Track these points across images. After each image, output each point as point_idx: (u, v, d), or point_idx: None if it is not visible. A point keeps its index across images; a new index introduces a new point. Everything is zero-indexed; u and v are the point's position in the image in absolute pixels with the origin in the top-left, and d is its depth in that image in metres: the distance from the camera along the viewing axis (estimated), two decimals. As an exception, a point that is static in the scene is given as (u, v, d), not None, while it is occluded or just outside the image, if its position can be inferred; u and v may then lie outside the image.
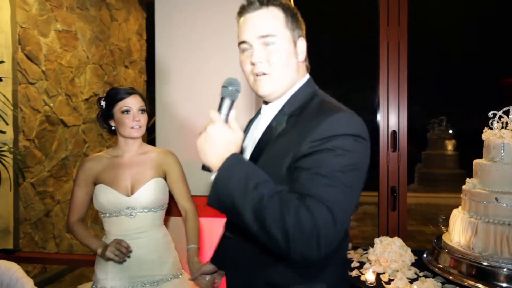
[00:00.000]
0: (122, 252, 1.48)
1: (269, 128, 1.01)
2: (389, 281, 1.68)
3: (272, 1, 0.97)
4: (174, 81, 2.50)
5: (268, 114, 1.04)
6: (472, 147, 2.42)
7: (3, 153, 2.49)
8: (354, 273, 1.77)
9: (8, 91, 3.23)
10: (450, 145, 9.37)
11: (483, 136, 1.80)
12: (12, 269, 1.93)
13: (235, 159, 0.86)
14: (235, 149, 0.88)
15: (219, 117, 0.90)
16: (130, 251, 1.53)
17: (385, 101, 2.45)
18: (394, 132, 2.43)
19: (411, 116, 2.47)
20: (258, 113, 1.13)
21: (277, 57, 0.96)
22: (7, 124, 2.61)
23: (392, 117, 2.44)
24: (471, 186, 1.75)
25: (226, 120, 0.92)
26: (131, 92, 1.61)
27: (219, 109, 0.92)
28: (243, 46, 0.98)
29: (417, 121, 10.42)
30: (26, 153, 3.53)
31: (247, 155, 1.04)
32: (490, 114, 1.78)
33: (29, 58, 3.59)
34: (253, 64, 0.97)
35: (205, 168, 0.90)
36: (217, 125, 0.88)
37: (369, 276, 1.67)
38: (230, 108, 0.92)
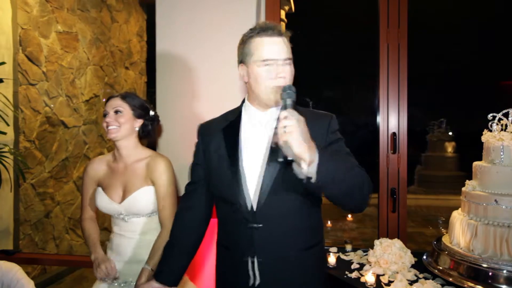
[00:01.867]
0: (109, 273, 1.57)
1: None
2: (389, 283, 1.68)
3: (285, 33, 1.27)
4: (174, 82, 2.51)
5: (270, 118, 1.28)
6: (471, 149, 2.42)
7: (4, 154, 2.49)
8: (354, 274, 1.78)
9: (9, 92, 3.24)
10: (449, 147, 9.38)
11: (483, 138, 1.80)
12: (12, 270, 1.93)
13: (320, 150, 1.08)
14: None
15: (292, 112, 1.05)
16: (117, 277, 1.60)
17: (385, 103, 2.46)
18: (394, 134, 2.43)
19: (411, 118, 2.47)
20: (239, 117, 1.34)
21: (290, 75, 1.26)
22: (8, 125, 2.62)
23: (392, 119, 2.45)
24: (471, 188, 1.75)
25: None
26: (111, 96, 1.66)
27: (284, 107, 1.10)
28: (269, 62, 1.23)
29: (417, 123, 10.43)
30: (26, 154, 3.54)
31: (250, 150, 1.28)
32: (489, 116, 1.79)
33: (30, 59, 3.60)
34: (282, 77, 1.23)
35: (284, 159, 1.04)
36: (295, 118, 1.04)
37: (369, 278, 1.67)
38: (292, 106, 1.11)
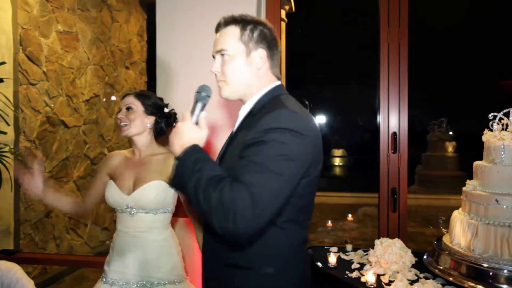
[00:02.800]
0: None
1: (238, 126, 1.19)
2: (389, 283, 1.68)
3: (232, 21, 1.18)
4: (174, 82, 2.51)
5: (241, 116, 1.20)
6: (472, 149, 2.42)
7: (4, 153, 2.50)
8: (354, 274, 1.78)
9: (9, 92, 3.24)
10: (450, 147, 9.38)
11: (483, 138, 1.80)
12: (12, 270, 1.93)
13: (192, 148, 1.04)
14: (199, 144, 1.06)
15: (189, 116, 1.09)
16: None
17: (385, 103, 2.46)
18: (394, 133, 2.43)
19: (412, 117, 2.47)
20: None
21: (228, 67, 1.14)
22: (8, 124, 2.62)
23: (392, 119, 2.45)
24: (471, 188, 1.75)
25: (197, 121, 1.10)
26: (126, 94, 1.69)
27: (192, 110, 1.11)
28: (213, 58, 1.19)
29: (418, 123, 10.43)
30: (26, 154, 3.54)
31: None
32: (490, 116, 1.79)
33: (30, 59, 3.60)
34: (213, 71, 1.18)
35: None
36: (186, 122, 1.07)
37: (369, 278, 1.67)
38: (202, 110, 1.11)
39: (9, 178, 2.66)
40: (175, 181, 1.04)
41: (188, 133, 1.06)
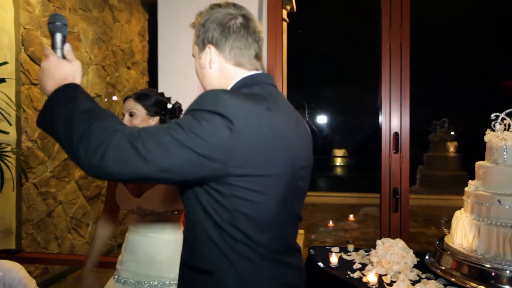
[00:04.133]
0: None
1: None
2: (391, 283, 1.68)
3: (192, 25, 1.08)
4: (176, 82, 2.51)
5: None
6: (474, 149, 2.41)
7: (6, 153, 2.50)
8: (356, 274, 1.77)
9: (11, 91, 3.25)
10: (452, 147, 9.36)
11: (486, 138, 1.79)
12: (14, 269, 1.94)
13: (73, 86, 0.91)
14: (73, 79, 0.93)
15: (51, 51, 0.95)
16: None
17: (387, 103, 2.45)
18: (396, 133, 2.43)
19: (413, 117, 2.46)
20: None
21: (196, 72, 1.08)
22: (10, 124, 2.62)
23: (394, 119, 2.44)
24: (474, 188, 1.75)
25: (63, 55, 0.96)
26: (126, 98, 1.67)
27: (53, 46, 0.96)
28: None
29: (419, 123, 10.41)
30: (28, 154, 3.55)
31: None
32: (492, 116, 1.78)
33: (32, 59, 3.61)
34: None
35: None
36: (50, 58, 0.94)
37: (371, 278, 1.67)
38: (63, 42, 0.97)
39: (11, 178, 2.66)
40: (43, 121, 0.89)
41: (58, 69, 0.92)
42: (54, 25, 0.96)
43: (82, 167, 0.83)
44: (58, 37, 0.96)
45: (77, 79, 0.94)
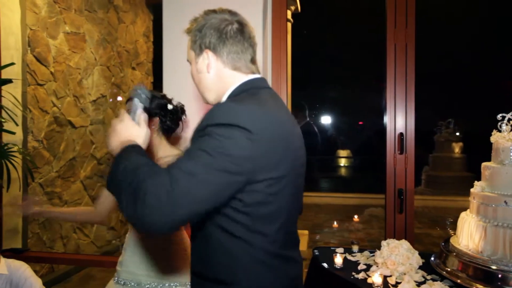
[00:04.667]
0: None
1: None
2: (396, 284, 1.67)
3: (187, 31, 1.12)
4: (181, 82, 2.52)
5: None
6: (480, 150, 2.39)
7: (13, 153, 2.52)
8: (361, 275, 1.77)
9: (17, 92, 3.27)
10: (457, 148, 9.30)
11: (492, 139, 1.78)
12: (21, 268, 1.95)
13: (134, 146, 0.96)
14: (140, 142, 1.00)
15: (125, 114, 1.03)
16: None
17: (392, 103, 2.44)
18: (401, 134, 2.42)
19: (419, 118, 2.45)
20: None
21: (192, 77, 1.12)
22: (17, 125, 2.64)
23: (399, 119, 2.43)
24: (480, 189, 1.74)
25: (137, 121, 1.04)
26: (128, 99, 1.63)
27: (128, 110, 1.06)
28: None
29: (425, 124, 10.36)
30: (34, 154, 3.57)
31: None
32: (499, 116, 1.77)
33: (38, 60, 3.64)
34: None
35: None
36: (125, 121, 1.02)
37: (376, 279, 1.66)
38: (140, 108, 1.06)
39: (17, 177, 2.69)
40: (111, 181, 0.92)
41: (125, 130, 1.00)
42: (136, 92, 1.06)
43: (141, 224, 0.84)
44: (136, 103, 1.05)
45: (140, 141, 1.00)
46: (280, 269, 1.00)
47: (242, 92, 1.03)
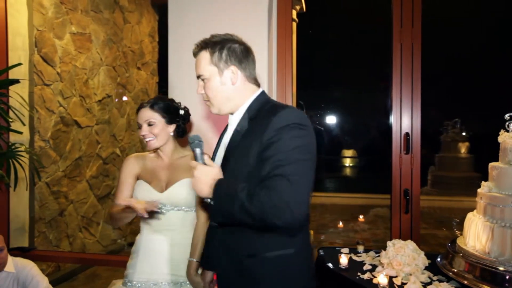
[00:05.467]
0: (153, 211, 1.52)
1: (235, 131, 1.29)
2: (402, 285, 1.66)
3: (203, 46, 1.31)
4: (186, 83, 2.52)
5: (233, 123, 1.32)
6: (487, 150, 2.37)
7: (20, 153, 2.54)
8: (366, 276, 1.76)
9: (24, 92, 3.30)
10: (464, 148, 9.22)
11: (499, 139, 1.76)
12: (27, 267, 1.97)
13: (220, 183, 1.16)
14: (218, 178, 1.17)
15: (197, 163, 1.19)
16: (161, 211, 1.62)
17: (398, 103, 2.43)
18: (407, 134, 2.40)
19: (425, 118, 2.44)
20: (226, 126, 1.40)
21: (208, 89, 1.29)
22: (23, 124, 2.66)
23: (405, 119, 2.42)
24: (487, 190, 1.72)
25: (204, 163, 1.20)
26: (141, 105, 1.70)
27: (195, 158, 1.22)
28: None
29: (431, 124, 10.28)
30: (41, 153, 3.60)
31: (219, 156, 1.33)
32: (506, 116, 1.75)
33: (45, 60, 3.66)
34: (199, 93, 1.33)
35: (205, 200, 1.20)
36: (199, 168, 1.18)
37: (381, 279, 1.65)
38: (202, 153, 1.22)
39: (24, 177, 2.71)
40: (218, 216, 1.18)
41: (206, 175, 1.17)
42: (194, 144, 1.21)
43: (284, 226, 1.08)
44: (198, 151, 1.21)
45: (220, 175, 1.19)
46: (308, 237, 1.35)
47: (265, 102, 1.28)
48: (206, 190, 1.16)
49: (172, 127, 1.69)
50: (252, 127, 1.22)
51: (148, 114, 1.65)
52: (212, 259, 1.35)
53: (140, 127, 1.67)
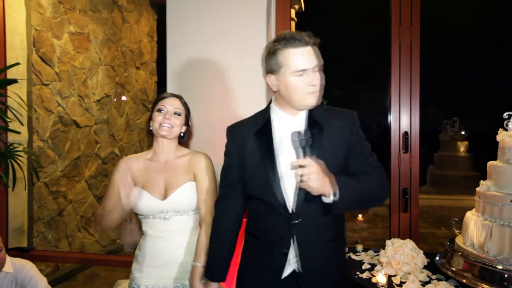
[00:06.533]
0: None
1: (311, 132, 1.33)
2: (401, 284, 1.66)
3: (315, 43, 1.35)
4: (184, 82, 2.52)
5: (301, 122, 1.38)
6: (485, 149, 2.37)
7: (18, 153, 2.54)
8: (365, 275, 1.76)
9: (23, 92, 3.29)
10: (462, 147, 9.23)
11: (498, 138, 1.76)
12: (26, 267, 1.97)
13: (338, 177, 1.26)
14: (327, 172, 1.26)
15: (309, 160, 1.21)
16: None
17: (396, 102, 2.43)
18: (406, 133, 2.40)
19: (423, 117, 2.44)
20: (269, 120, 1.40)
21: (321, 81, 1.35)
22: (22, 124, 2.66)
23: (404, 118, 2.42)
24: (486, 189, 1.72)
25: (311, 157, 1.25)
26: (172, 95, 1.66)
27: (303, 155, 1.23)
28: (301, 73, 1.31)
29: (430, 122, 10.29)
30: (40, 153, 3.60)
31: (285, 153, 1.35)
32: (505, 115, 1.75)
33: (43, 60, 3.66)
34: (313, 85, 1.32)
35: (323, 197, 1.26)
36: (312, 168, 1.20)
37: (380, 279, 1.65)
38: (306, 150, 1.26)
39: (23, 177, 2.70)
40: (342, 208, 1.28)
41: (321, 171, 1.22)
42: (304, 140, 1.23)
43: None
44: (301, 152, 1.24)
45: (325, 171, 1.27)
46: None
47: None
48: (327, 186, 1.22)
49: (184, 128, 1.67)
50: (326, 126, 1.35)
51: (178, 104, 1.63)
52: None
53: (162, 111, 1.60)
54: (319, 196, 1.26)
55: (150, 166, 1.65)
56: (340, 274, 1.44)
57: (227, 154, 1.47)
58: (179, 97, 1.67)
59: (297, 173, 1.20)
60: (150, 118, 1.65)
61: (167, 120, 1.59)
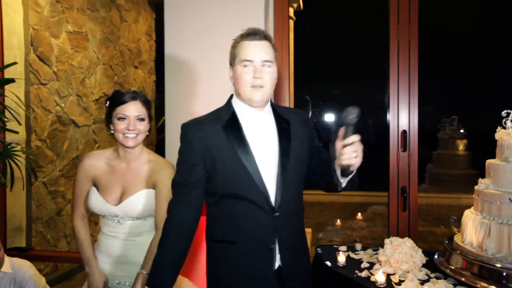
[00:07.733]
0: None
1: (283, 122, 1.40)
2: (399, 282, 1.66)
3: (269, 38, 1.36)
4: (183, 81, 2.52)
5: (268, 116, 1.40)
6: (484, 147, 2.38)
7: (16, 152, 2.53)
8: (364, 273, 1.76)
9: (20, 91, 3.28)
10: (461, 145, 9.24)
11: (496, 136, 1.77)
12: (25, 267, 1.96)
13: None
14: None
15: (353, 137, 1.27)
16: None
17: (395, 101, 2.43)
18: (404, 131, 2.40)
19: (422, 115, 2.44)
20: (234, 115, 1.38)
21: (270, 77, 1.33)
22: (20, 124, 2.65)
23: (402, 117, 2.42)
24: (484, 187, 1.72)
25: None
26: (132, 97, 1.52)
27: (349, 132, 1.27)
28: (246, 63, 1.31)
29: (428, 121, 10.30)
30: (38, 153, 3.59)
31: (256, 145, 1.33)
32: (503, 113, 1.75)
33: (41, 59, 3.64)
34: (257, 78, 1.30)
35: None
36: (358, 144, 1.27)
37: (379, 277, 1.66)
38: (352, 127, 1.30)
39: (21, 177, 2.70)
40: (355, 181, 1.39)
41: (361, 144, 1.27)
42: (354, 118, 1.29)
43: None
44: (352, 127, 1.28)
45: None
46: None
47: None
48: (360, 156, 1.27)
49: (149, 126, 1.58)
50: (292, 120, 1.41)
51: (139, 108, 1.52)
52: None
53: (124, 119, 1.50)
54: (294, 184, 1.34)
55: (112, 167, 1.59)
56: (309, 263, 1.50)
57: (184, 152, 1.36)
58: (139, 97, 1.54)
59: (351, 149, 1.23)
60: (109, 121, 1.56)
61: (131, 131, 1.50)
